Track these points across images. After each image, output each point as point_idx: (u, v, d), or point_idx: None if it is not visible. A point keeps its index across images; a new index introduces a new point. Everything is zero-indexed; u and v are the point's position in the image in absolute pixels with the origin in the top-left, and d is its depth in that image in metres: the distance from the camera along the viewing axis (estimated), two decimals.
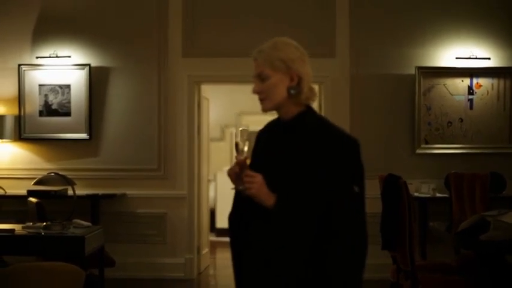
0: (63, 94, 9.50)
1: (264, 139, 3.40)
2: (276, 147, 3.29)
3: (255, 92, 3.25)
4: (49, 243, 6.51)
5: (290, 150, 3.20)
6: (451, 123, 9.49)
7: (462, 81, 9.48)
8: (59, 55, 9.52)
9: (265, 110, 3.28)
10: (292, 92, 3.21)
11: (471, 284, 6.02)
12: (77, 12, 9.66)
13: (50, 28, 9.61)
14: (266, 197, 3.12)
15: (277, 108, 3.27)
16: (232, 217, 3.48)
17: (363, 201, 3.17)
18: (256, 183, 3.11)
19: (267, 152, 3.33)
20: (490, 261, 5.65)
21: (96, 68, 9.54)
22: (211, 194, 13.06)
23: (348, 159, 3.14)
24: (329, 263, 3.06)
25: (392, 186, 6.25)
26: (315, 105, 3.57)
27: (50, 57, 9.53)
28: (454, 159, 9.41)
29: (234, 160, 3.23)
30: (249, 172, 3.13)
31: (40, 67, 9.53)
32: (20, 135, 9.54)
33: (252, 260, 3.25)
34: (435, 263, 7.02)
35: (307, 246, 3.10)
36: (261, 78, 3.21)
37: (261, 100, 3.25)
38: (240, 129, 3.19)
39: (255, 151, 3.43)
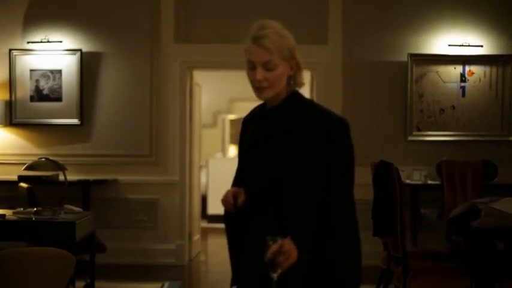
0: (54, 79, 9.46)
1: (253, 125, 3.37)
2: (266, 133, 3.26)
3: (259, 80, 3.15)
4: (40, 228, 6.49)
5: (281, 134, 3.18)
6: (443, 110, 9.49)
7: (454, 68, 9.49)
8: (50, 40, 9.48)
9: (265, 98, 3.23)
10: (291, 81, 3.21)
11: (462, 271, 6.03)
12: None
13: (41, 13, 9.57)
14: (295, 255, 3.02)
15: (276, 96, 3.22)
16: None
17: (353, 183, 3.16)
18: (292, 257, 2.97)
19: (257, 137, 3.30)
20: (481, 248, 5.65)
21: (88, 53, 9.51)
22: (203, 180, 13.07)
23: (340, 140, 3.13)
24: (330, 249, 3.07)
25: (384, 173, 6.25)
26: (307, 92, 3.59)
27: (41, 42, 9.49)
28: (446, 147, 9.42)
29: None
30: (284, 251, 2.93)
31: (31, 52, 9.49)
32: (11, 121, 9.50)
33: (250, 252, 3.24)
34: (426, 250, 7.04)
35: (312, 234, 3.09)
36: (267, 66, 3.13)
37: (263, 88, 3.17)
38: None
39: (243, 137, 3.41)
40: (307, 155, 3.10)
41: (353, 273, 3.15)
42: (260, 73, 3.14)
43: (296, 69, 3.21)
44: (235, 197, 3.24)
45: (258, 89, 3.19)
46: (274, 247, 2.88)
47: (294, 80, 3.23)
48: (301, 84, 3.27)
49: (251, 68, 3.18)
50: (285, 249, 2.92)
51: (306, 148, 3.11)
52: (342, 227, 3.10)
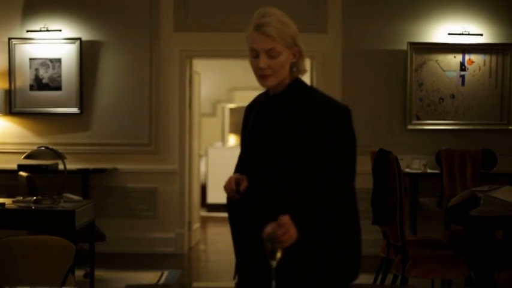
0: (54, 68, 9.46)
1: (255, 112, 3.38)
2: (268, 119, 3.28)
3: (263, 67, 3.16)
4: (39, 217, 6.49)
5: (283, 121, 3.21)
6: (442, 99, 9.49)
7: (454, 57, 9.48)
8: (49, 29, 9.47)
9: (268, 86, 3.25)
10: (294, 68, 3.23)
11: (461, 259, 6.04)
12: None
13: (40, 1, 9.55)
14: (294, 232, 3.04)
15: (279, 83, 3.24)
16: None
17: (355, 170, 3.18)
18: (291, 232, 3.00)
19: (259, 124, 3.31)
20: (480, 236, 5.66)
21: (87, 42, 9.50)
22: (203, 169, 13.08)
23: (341, 127, 3.15)
24: (330, 235, 3.10)
25: (384, 161, 6.25)
26: (307, 80, 3.59)
27: (40, 30, 9.47)
28: (445, 136, 9.43)
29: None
30: (282, 224, 2.96)
31: (31, 41, 9.48)
32: (11, 110, 9.50)
33: (250, 237, 3.27)
34: (425, 238, 7.04)
35: (311, 219, 3.12)
36: (270, 54, 3.14)
37: (267, 76, 3.18)
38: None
39: (245, 124, 3.42)
40: (307, 140, 3.12)
41: (352, 260, 3.15)
42: (263, 61, 3.14)
43: (299, 57, 3.23)
44: (237, 183, 3.26)
45: (261, 76, 3.20)
46: (272, 224, 2.91)
47: (296, 68, 3.24)
48: (304, 72, 3.29)
49: (254, 55, 3.19)
50: (282, 222, 2.94)
51: (306, 134, 3.13)
52: (342, 213, 3.12)
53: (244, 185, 3.24)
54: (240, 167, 3.39)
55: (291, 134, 3.16)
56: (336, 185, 3.12)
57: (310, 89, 3.31)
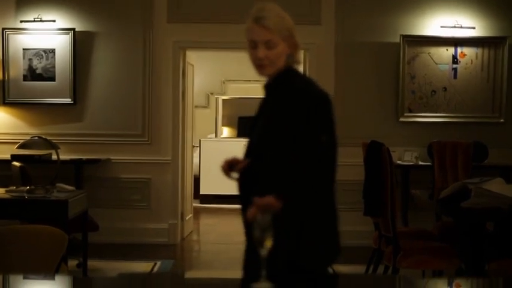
0: (47, 58, 9.46)
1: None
2: (260, 108, 3.53)
3: (261, 58, 3.39)
4: (32, 207, 6.53)
5: (268, 109, 3.44)
6: (434, 92, 9.53)
7: (447, 50, 9.51)
8: (43, 19, 9.47)
9: (266, 75, 3.47)
10: (289, 59, 3.44)
11: (452, 251, 6.09)
12: None
13: None
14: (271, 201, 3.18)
15: (276, 73, 3.44)
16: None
17: (333, 150, 3.33)
18: (267, 199, 3.16)
19: (256, 112, 3.55)
20: (471, 228, 5.70)
21: (81, 32, 9.50)
22: (196, 160, 13.09)
23: (314, 112, 3.29)
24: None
25: (375, 153, 6.29)
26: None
27: (34, 21, 9.47)
28: (437, 128, 9.46)
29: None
30: (255, 203, 3.14)
31: (24, 31, 9.48)
32: (4, 100, 9.51)
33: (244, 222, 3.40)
34: (416, 230, 7.09)
35: (290, 205, 3.23)
36: (268, 45, 3.38)
37: (264, 66, 3.42)
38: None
39: None
40: (287, 129, 3.29)
41: (318, 243, 3.31)
42: (261, 51, 3.39)
43: (294, 48, 3.45)
44: (231, 164, 3.46)
45: (259, 66, 3.44)
46: (250, 209, 3.08)
47: (292, 59, 3.46)
48: (299, 63, 3.51)
49: (252, 46, 3.42)
50: (254, 202, 3.12)
51: (287, 123, 3.30)
52: (291, 205, 3.22)
53: (241, 165, 3.42)
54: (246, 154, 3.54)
55: (274, 123, 3.35)
56: (304, 169, 3.25)
57: (296, 78, 3.47)
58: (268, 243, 2.86)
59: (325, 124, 3.33)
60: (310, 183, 3.25)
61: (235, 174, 3.46)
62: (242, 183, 3.46)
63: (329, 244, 3.39)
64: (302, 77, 3.56)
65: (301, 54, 3.54)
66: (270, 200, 3.13)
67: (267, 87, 3.51)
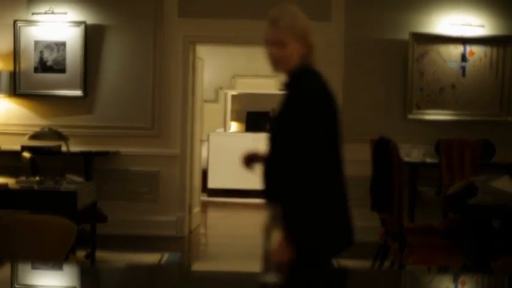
0: (58, 51, 9.50)
1: None
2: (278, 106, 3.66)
3: (272, 56, 3.58)
4: (42, 197, 6.57)
5: (278, 111, 3.61)
6: (443, 89, 9.54)
7: (455, 48, 9.52)
8: (54, 12, 9.51)
9: (279, 72, 3.66)
10: (304, 59, 3.59)
11: (457, 248, 6.11)
12: None
13: None
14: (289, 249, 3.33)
15: (288, 72, 3.61)
16: None
17: (323, 143, 3.44)
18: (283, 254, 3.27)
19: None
20: (477, 225, 5.72)
21: (92, 25, 9.54)
22: (204, 154, 13.12)
23: (299, 107, 3.46)
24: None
25: (383, 149, 6.31)
26: None
27: (45, 13, 9.51)
28: (445, 126, 9.47)
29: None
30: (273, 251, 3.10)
31: (36, 23, 9.52)
32: (15, 91, 9.55)
33: None
34: (423, 226, 7.12)
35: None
36: (279, 44, 3.56)
37: (275, 63, 3.60)
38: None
39: None
40: (287, 126, 3.50)
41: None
42: (272, 50, 3.59)
43: (308, 48, 3.60)
44: (250, 157, 3.84)
45: (271, 64, 3.63)
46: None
47: (306, 58, 3.60)
48: (315, 62, 3.64)
49: (266, 45, 3.61)
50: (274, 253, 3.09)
51: (287, 120, 3.52)
52: (287, 197, 3.41)
53: (260, 158, 3.75)
54: None
55: (279, 121, 3.59)
56: (287, 161, 3.45)
57: (305, 77, 3.57)
58: (275, 237, 2.91)
59: (311, 117, 3.43)
60: (300, 177, 3.39)
61: (255, 167, 3.73)
62: (263, 176, 3.63)
63: (331, 234, 3.48)
64: (310, 76, 3.57)
65: (317, 54, 3.64)
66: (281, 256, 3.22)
67: (284, 85, 3.66)
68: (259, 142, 5.91)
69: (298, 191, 3.39)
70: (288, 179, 3.42)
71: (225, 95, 15.70)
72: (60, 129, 7.71)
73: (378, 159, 6.46)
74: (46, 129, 7.31)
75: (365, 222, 8.68)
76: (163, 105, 9.61)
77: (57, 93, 9.54)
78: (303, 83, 3.52)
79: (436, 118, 9.55)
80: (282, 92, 3.69)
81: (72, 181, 6.94)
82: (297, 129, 3.42)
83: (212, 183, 13.80)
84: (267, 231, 2.98)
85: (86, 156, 9.18)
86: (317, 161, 3.41)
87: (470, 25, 9.47)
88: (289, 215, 3.27)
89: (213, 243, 9.65)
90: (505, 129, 9.54)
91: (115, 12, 9.59)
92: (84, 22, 9.48)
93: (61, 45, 9.50)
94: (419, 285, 3.43)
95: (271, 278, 2.90)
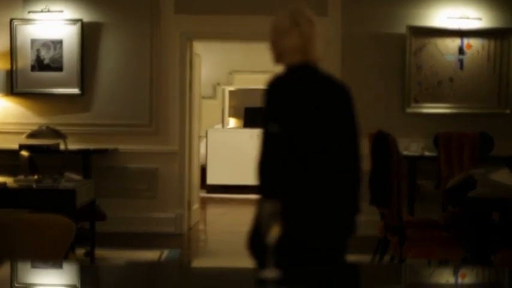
0: (55, 49, 9.49)
1: None
2: None
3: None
4: (40, 196, 6.56)
5: None
6: (441, 82, 9.53)
7: (453, 41, 9.51)
8: (51, 10, 9.49)
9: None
10: (285, 57, 3.84)
11: (457, 241, 6.10)
12: None
13: None
14: None
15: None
16: None
17: (279, 137, 3.53)
18: None
19: None
20: (477, 218, 5.72)
21: (88, 23, 9.52)
22: (202, 151, 13.12)
23: (265, 101, 3.58)
24: None
25: (382, 143, 6.30)
26: None
27: (42, 11, 9.50)
28: (443, 119, 9.46)
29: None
30: None
31: (32, 22, 9.51)
32: (12, 90, 9.53)
33: None
34: (422, 220, 7.11)
35: None
36: (271, 43, 3.86)
37: (273, 58, 3.88)
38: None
39: None
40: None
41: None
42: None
43: (282, 48, 3.80)
44: None
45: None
46: None
47: (283, 57, 3.83)
48: (298, 60, 3.81)
49: None
50: None
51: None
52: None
53: None
54: None
55: None
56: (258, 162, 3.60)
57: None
58: (274, 232, 2.90)
59: (272, 112, 3.56)
60: (257, 171, 3.53)
61: None
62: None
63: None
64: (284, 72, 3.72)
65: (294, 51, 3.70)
66: None
67: None
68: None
69: (258, 186, 3.53)
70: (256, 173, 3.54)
71: (223, 91, 15.69)
72: (58, 128, 7.69)
73: (376, 154, 6.45)
74: (44, 128, 7.29)
75: (364, 217, 8.71)
76: (161, 102, 9.60)
77: (55, 92, 9.53)
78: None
79: (434, 111, 9.54)
80: None
81: (71, 179, 6.93)
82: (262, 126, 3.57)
83: (211, 180, 13.81)
84: (266, 227, 2.97)
85: (84, 154, 9.16)
86: (267, 157, 3.51)
87: (468, 18, 9.46)
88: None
89: (213, 240, 9.65)
90: (504, 122, 9.54)
91: (111, 10, 9.58)
92: (80, 20, 9.47)
93: (58, 44, 9.49)
94: (420, 279, 3.41)
95: (270, 273, 2.90)
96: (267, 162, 3.52)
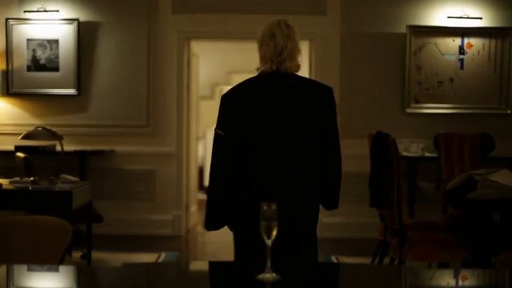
0: (51, 49, 9.44)
1: None
2: None
3: None
4: (37, 197, 6.51)
5: None
6: (441, 82, 9.48)
7: (453, 40, 9.47)
8: (47, 9, 9.44)
9: None
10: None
11: (457, 243, 6.06)
12: None
13: None
14: None
15: None
16: None
17: (221, 141, 4.11)
18: None
19: None
20: (477, 219, 5.67)
21: (85, 22, 9.47)
22: (200, 152, 13.08)
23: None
24: None
25: (382, 144, 6.26)
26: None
27: (38, 11, 9.44)
28: (443, 119, 9.42)
29: None
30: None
31: (28, 21, 9.45)
32: (8, 90, 9.48)
33: None
34: (422, 222, 7.07)
35: None
36: None
37: None
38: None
39: None
40: None
41: None
42: None
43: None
44: None
45: None
46: None
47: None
48: (266, 69, 4.14)
49: None
50: None
51: None
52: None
53: None
54: None
55: None
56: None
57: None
58: (274, 233, 2.91)
59: (219, 120, 4.11)
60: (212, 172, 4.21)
61: None
62: None
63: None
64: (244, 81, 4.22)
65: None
66: None
67: None
68: None
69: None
70: None
71: (221, 91, 15.60)
72: (54, 129, 7.62)
73: (376, 155, 6.41)
74: (40, 129, 7.23)
75: (364, 218, 8.68)
76: (159, 102, 9.56)
77: (51, 92, 9.47)
78: None
79: (434, 112, 9.50)
80: None
81: (67, 181, 6.87)
82: None
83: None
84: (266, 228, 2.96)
85: (81, 155, 9.12)
86: (213, 155, 4.16)
87: (468, 17, 9.41)
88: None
89: (211, 242, 9.58)
90: (504, 122, 9.50)
91: (108, 9, 9.53)
92: (77, 19, 9.41)
93: (54, 43, 9.43)
94: (420, 281, 3.40)
95: (268, 275, 2.89)
96: (212, 163, 4.17)
